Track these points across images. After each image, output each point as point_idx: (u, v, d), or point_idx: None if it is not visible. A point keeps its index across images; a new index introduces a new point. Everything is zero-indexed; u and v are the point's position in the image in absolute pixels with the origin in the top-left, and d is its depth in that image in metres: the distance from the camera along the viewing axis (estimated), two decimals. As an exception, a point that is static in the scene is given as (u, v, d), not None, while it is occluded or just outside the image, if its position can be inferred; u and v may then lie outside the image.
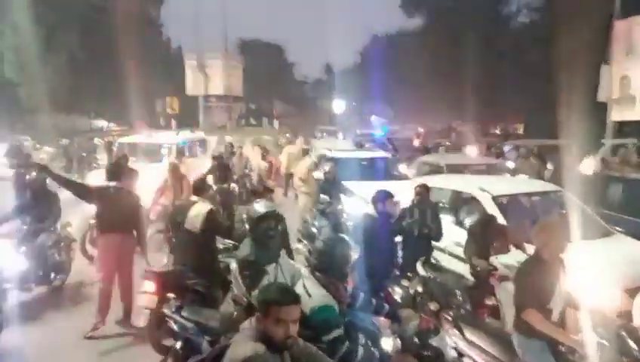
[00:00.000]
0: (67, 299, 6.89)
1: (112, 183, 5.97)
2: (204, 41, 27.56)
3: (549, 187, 7.58)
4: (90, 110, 39.09)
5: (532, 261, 3.79)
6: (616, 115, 14.98)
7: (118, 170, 6.25)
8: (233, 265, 4.12)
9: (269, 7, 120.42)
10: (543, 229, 3.76)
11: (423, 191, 6.08)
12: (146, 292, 4.98)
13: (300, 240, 8.19)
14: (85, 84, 31.74)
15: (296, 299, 2.69)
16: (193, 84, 27.30)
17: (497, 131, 36.50)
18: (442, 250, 6.58)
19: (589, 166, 10.93)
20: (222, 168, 10.29)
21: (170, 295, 4.87)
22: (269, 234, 4.25)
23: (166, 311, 4.39)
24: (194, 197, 5.73)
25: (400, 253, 5.89)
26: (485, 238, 5.31)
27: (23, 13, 29.94)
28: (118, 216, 5.76)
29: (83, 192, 5.95)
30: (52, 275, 6.91)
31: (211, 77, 27.10)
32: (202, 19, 26.86)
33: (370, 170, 11.73)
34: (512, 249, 5.34)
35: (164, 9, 41.37)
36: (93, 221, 7.06)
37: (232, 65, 28.81)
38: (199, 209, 5.38)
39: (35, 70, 31.47)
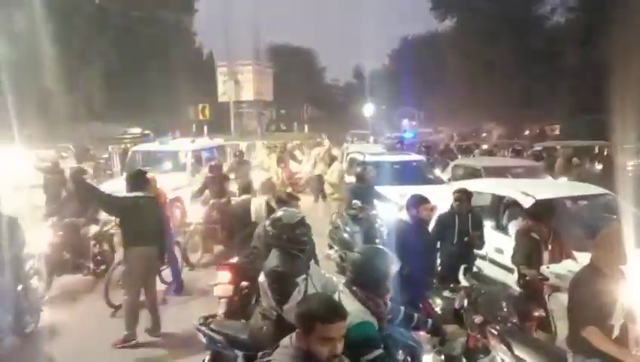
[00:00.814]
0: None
1: (138, 193, 5.78)
2: (235, 48, 27.82)
3: (597, 190, 7.12)
4: (124, 118, 39.87)
5: (591, 271, 3.46)
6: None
7: (142, 179, 6.02)
8: (261, 278, 3.91)
9: (300, 13, 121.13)
10: (606, 238, 3.44)
11: (463, 195, 5.76)
12: (220, 283, 5.39)
13: (330, 246, 7.96)
14: (120, 93, 32.38)
15: (343, 315, 2.46)
16: (224, 91, 27.53)
17: (527, 133, 35.61)
18: (483, 258, 6.26)
19: None
20: (217, 181, 9.39)
21: (244, 283, 5.31)
22: (300, 243, 4.04)
23: (194, 323, 4.23)
24: (245, 196, 7.03)
25: (439, 262, 5.61)
26: (532, 246, 4.97)
27: (61, 25, 30.79)
28: (145, 228, 5.64)
29: (113, 205, 5.80)
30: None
31: (242, 83, 27.30)
32: (233, 27, 27.17)
33: (404, 173, 11.44)
34: (564, 257, 5.00)
35: (197, 17, 41.94)
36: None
37: (263, 71, 28.99)
38: (259, 202, 6.36)
39: (72, 79, 32.33)
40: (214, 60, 32.76)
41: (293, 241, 3.96)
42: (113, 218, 7.21)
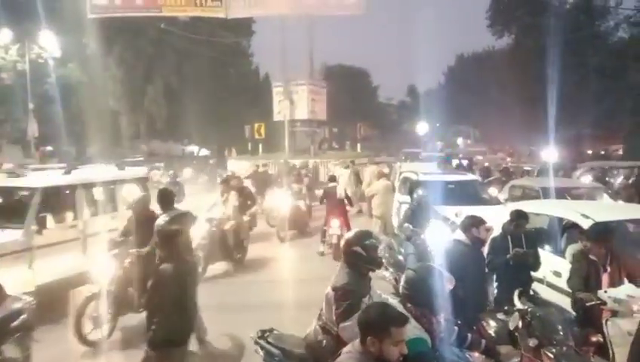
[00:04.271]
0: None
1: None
2: (290, 69, 28.31)
3: (661, 213, 6.92)
4: (183, 137, 41.30)
5: None
6: None
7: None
8: (329, 291, 4.03)
9: (354, 32, 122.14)
10: None
11: (520, 217, 5.70)
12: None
13: (386, 268, 7.99)
14: (179, 112, 33.64)
15: (407, 319, 2.79)
16: (280, 110, 28.09)
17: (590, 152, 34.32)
18: (541, 281, 6.15)
19: None
20: (142, 226, 6.20)
21: None
22: (375, 264, 4.18)
23: (251, 336, 4.40)
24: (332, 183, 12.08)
25: (495, 284, 5.57)
26: (589, 269, 4.88)
27: (127, 47, 32.42)
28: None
29: None
30: None
31: (297, 102, 27.76)
32: (289, 48, 27.68)
33: (458, 193, 11.34)
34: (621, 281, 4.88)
35: (254, 39, 43.11)
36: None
37: (317, 90, 29.37)
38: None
39: (134, 99, 33.92)
40: (270, 81, 33.52)
41: (369, 262, 4.09)
42: None
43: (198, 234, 8.37)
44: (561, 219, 6.62)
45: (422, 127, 51.49)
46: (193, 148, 45.13)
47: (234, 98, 36.70)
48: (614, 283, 4.89)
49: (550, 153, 23.89)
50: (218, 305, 6.98)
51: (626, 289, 4.48)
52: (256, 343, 4.36)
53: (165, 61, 35.25)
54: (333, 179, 12.71)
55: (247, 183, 14.21)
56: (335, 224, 10.86)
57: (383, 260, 7.97)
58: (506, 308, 4.53)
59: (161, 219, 4.42)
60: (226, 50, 35.71)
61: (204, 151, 43.88)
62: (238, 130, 31.64)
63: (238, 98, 37.10)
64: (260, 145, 28.95)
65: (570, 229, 6.42)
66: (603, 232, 5.13)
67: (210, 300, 6.28)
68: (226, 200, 10.50)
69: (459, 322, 3.95)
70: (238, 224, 10.15)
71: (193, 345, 5.98)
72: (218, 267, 9.62)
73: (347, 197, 12.04)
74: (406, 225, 8.07)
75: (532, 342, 3.96)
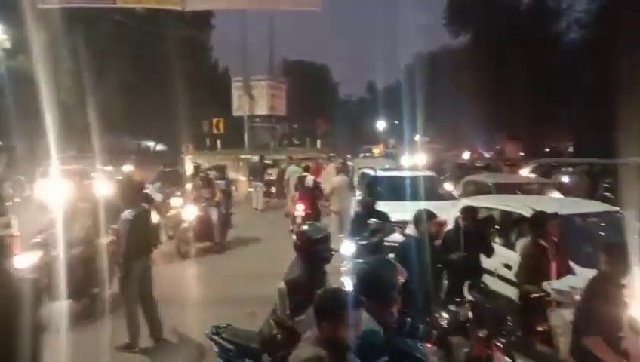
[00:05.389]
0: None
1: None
2: (250, 64, 28.13)
3: (606, 208, 7.20)
4: (138, 132, 40.38)
5: (600, 285, 3.58)
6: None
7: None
8: (282, 286, 4.03)
9: (314, 29, 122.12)
10: (611, 251, 3.57)
11: (469, 212, 5.86)
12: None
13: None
14: (135, 107, 32.86)
15: (362, 302, 2.88)
16: (239, 105, 27.88)
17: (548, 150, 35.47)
18: (492, 273, 6.33)
19: None
20: None
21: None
22: (323, 259, 4.20)
23: (206, 332, 4.37)
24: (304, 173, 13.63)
25: (446, 276, 5.69)
26: (536, 262, 5.06)
27: (78, 39, 31.40)
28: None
29: None
30: None
31: (256, 98, 27.64)
32: (249, 43, 27.53)
33: (415, 189, 11.51)
34: (567, 273, 5.07)
35: (213, 33, 42.59)
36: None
37: (277, 86, 29.34)
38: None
39: (87, 93, 32.89)
40: (230, 75, 33.18)
41: (317, 256, 4.11)
42: None
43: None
44: (511, 213, 6.82)
45: (381, 124, 52.06)
46: (149, 144, 44.23)
47: (192, 93, 36.01)
48: (561, 274, 5.07)
49: (511, 150, 24.55)
50: (172, 301, 6.92)
51: (568, 280, 4.66)
52: (210, 339, 4.34)
53: (121, 54, 34.33)
54: (306, 169, 14.61)
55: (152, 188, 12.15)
56: (300, 208, 12.17)
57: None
58: (457, 299, 4.64)
59: None
60: (185, 43, 35.09)
61: (161, 147, 43.06)
62: (197, 126, 31.18)
63: (196, 93, 36.47)
64: (219, 141, 28.62)
65: (521, 223, 6.62)
66: (544, 219, 5.29)
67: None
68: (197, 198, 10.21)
69: (411, 314, 4.02)
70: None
71: (149, 343, 5.96)
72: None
73: (317, 187, 12.80)
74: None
75: (482, 333, 4.07)
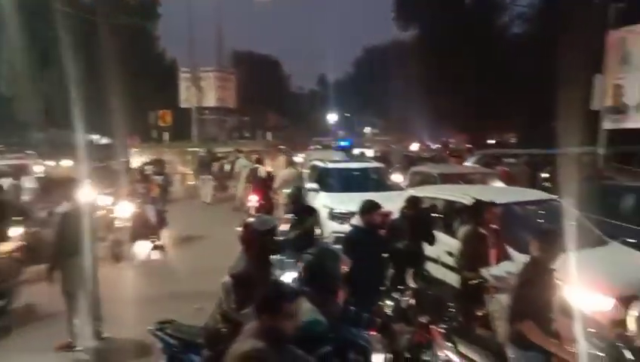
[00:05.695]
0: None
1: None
2: (199, 55, 27.64)
3: (544, 196, 7.53)
4: (84, 125, 38.90)
5: (532, 270, 3.72)
6: (608, 123, 15.00)
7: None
8: (227, 279, 4.00)
9: (265, 21, 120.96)
10: (541, 238, 3.72)
11: (413, 202, 6.00)
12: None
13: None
14: (79, 99, 31.64)
15: (298, 294, 2.96)
16: (186, 97, 27.36)
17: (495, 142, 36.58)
18: (435, 261, 6.50)
19: None
20: None
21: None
22: (268, 251, 4.18)
23: (150, 328, 4.29)
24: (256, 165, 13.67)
25: (391, 265, 5.80)
26: (476, 249, 5.23)
27: (19, 29, 30.00)
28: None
29: None
30: None
31: (204, 89, 27.19)
32: (198, 33, 26.96)
33: (364, 180, 11.69)
34: (505, 259, 5.27)
35: (161, 23, 41.42)
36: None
37: (226, 77, 28.98)
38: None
39: (28, 85, 31.52)
40: (177, 66, 32.43)
41: (263, 248, 4.09)
42: None
43: None
44: (453, 202, 7.02)
45: (332, 117, 52.35)
46: (94, 137, 42.75)
47: (138, 84, 35.07)
48: (500, 260, 5.27)
49: (457, 142, 25.14)
50: (113, 300, 6.73)
51: (505, 266, 4.85)
52: (154, 335, 4.27)
53: (64, 44, 32.93)
54: (258, 161, 14.75)
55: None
56: (253, 198, 12.45)
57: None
58: (400, 287, 4.74)
59: None
60: (130, 33, 34.03)
61: (106, 140, 41.71)
62: (143, 118, 30.39)
63: (142, 84, 35.48)
64: (167, 134, 28.05)
65: (462, 212, 6.82)
66: (482, 208, 5.47)
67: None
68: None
69: (356, 303, 4.08)
70: None
71: (91, 341, 5.80)
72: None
73: (270, 177, 13.08)
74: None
75: (424, 319, 4.17)
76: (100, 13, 29.62)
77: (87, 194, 6.22)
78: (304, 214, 6.70)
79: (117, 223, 9.47)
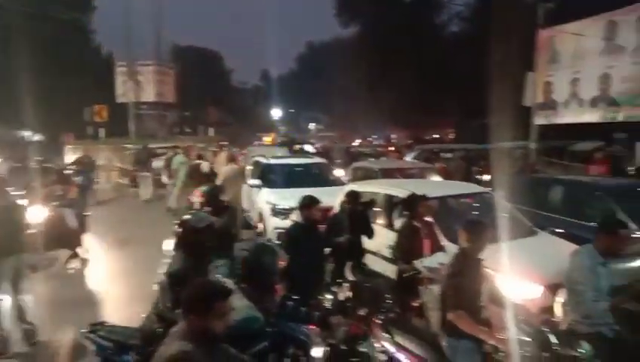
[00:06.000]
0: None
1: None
2: (136, 48, 26.75)
3: (476, 189, 7.82)
4: (13, 121, 37.03)
5: (461, 261, 3.84)
6: (539, 119, 15.70)
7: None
8: (163, 279, 3.92)
9: (205, 15, 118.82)
10: (469, 229, 3.84)
11: (352, 196, 6.09)
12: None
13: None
14: (9, 94, 30.03)
15: (230, 292, 2.81)
16: (123, 91, 26.48)
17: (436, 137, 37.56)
18: (375, 254, 6.61)
19: None
20: None
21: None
22: (204, 248, 4.12)
23: (82, 331, 4.15)
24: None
25: (330, 259, 5.86)
26: (411, 241, 5.36)
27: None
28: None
29: None
30: None
31: (142, 84, 26.41)
32: (135, 26, 26.12)
33: (306, 176, 11.71)
34: (439, 251, 5.42)
35: (96, 14, 39.79)
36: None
37: (165, 71, 28.25)
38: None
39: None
40: (114, 60, 31.33)
41: (200, 245, 4.02)
42: None
43: None
44: (392, 196, 7.17)
45: (276, 112, 52.18)
46: (25, 134, 40.71)
47: (72, 78, 33.64)
48: (434, 252, 5.42)
49: (398, 137, 25.61)
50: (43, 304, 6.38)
51: (437, 257, 4.99)
52: (87, 338, 4.14)
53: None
54: (200, 157, 14.84)
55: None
56: (197, 195, 11.68)
57: None
58: (338, 281, 4.79)
59: None
60: (63, 26, 32.55)
61: (38, 137, 39.82)
62: (78, 114, 29.16)
63: (76, 78, 34.09)
64: (103, 130, 27.05)
65: (400, 205, 6.97)
66: (414, 201, 5.62)
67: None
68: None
69: (294, 297, 4.10)
70: None
71: (21, 347, 5.54)
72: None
73: (213, 173, 12.82)
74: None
75: (362, 311, 4.23)
76: (33, 6, 28.22)
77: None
78: (222, 214, 6.24)
79: (29, 230, 7.86)
